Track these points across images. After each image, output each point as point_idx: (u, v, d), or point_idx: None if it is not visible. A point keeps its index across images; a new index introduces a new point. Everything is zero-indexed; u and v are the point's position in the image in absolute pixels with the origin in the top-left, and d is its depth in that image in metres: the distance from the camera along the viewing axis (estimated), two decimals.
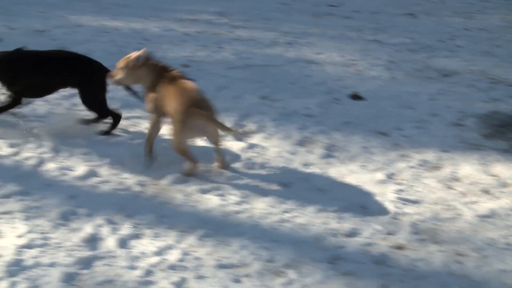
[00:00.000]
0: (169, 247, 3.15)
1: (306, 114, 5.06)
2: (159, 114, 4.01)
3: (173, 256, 3.08)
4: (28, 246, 3.06)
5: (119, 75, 4.13)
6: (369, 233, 3.36)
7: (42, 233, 3.18)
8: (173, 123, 3.84)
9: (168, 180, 3.86)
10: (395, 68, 6.33)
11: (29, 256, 2.99)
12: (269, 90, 5.59)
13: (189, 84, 3.97)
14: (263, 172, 4.03)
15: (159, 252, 3.11)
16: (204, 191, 3.76)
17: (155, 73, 4.02)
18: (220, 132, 3.94)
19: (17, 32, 7.64)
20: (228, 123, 4.41)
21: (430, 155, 4.31)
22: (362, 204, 3.66)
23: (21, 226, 3.23)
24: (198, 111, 3.75)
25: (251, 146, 4.41)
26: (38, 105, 5.05)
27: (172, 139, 3.88)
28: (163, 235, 3.24)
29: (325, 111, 5.15)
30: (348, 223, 3.46)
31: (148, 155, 4.07)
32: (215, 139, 4.00)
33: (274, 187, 3.84)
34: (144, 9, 9.28)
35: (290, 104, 5.28)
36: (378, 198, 3.73)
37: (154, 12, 9.05)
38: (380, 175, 4.00)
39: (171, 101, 3.85)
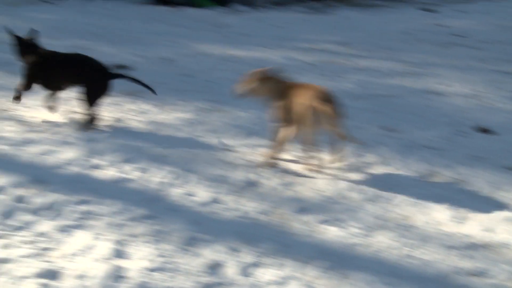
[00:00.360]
0: (290, 277, 3.15)
1: (429, 146, 4.94)
2: (287, 120, 4.31)
3: (293, 287, 3.08)
4: (154, 269, 3.15)
5: (247, 86, 4.55)
6: (497, 273, 3.22)
7: (167, 257, 3.27)
8: (301, 117, 4.17)
9: (288, 209, 3.88)
10: None
11: (154, 279, 3.08)
12: (390, 121, 5.51)
13: (315, 85, 4.36)
14: (383, 204, 3.97)
15: (280, 282, 3.11)
16: (324, 221, 3.75)
17: (281, 84, 4.42)
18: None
19: (147, 60, 7.99)
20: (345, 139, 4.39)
21: None
22: (487, 243, 3.51)
23: (147, 249, 3.33)
24: (323, 104, 4.08)
25: (372, 177, 4.35)
26: (165, 131, 5.23)
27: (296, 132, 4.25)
28: (283, 265, 3.25)
29: (449, 143, 5.01)
30: (474, 261, 3.33)
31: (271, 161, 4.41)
32: (336, 133, 4.20)
33: (395, 220, 3.76)
34: (267, 39, 9.45)
35: (412, 135, 5.17)
36: (503, 236, 3.57)
37: (276, 42, 9.19)
38: (508, 213, 3.83)
39: (299, 99, 4.20)
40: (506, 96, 6.24)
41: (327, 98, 4.17)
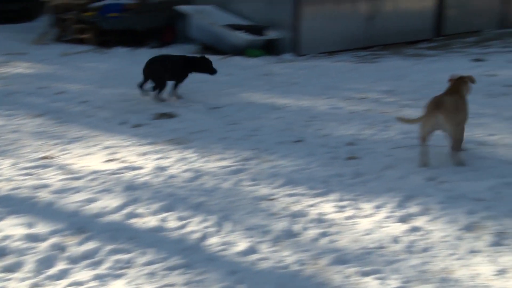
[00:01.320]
0: None
1: (476, 198, 4.83)
2: None
3: None
4: None
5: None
6: None
7: None
8: None
9: (327, 260, 3.83)
10: None
11: None
12: (436, 171, 5.42)
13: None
14: (426, 257, 3.88)
15: None
16: (364, 274, 3.68)
17: None
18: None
19: (192, 108, 8.10)
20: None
21: None
22: None
23: None
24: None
25: (415, 229, 4.28)
26: (206, 180, 5.28)
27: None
28: None
29: (497, 195, 4.89)
30: None
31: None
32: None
33: (436, 274, 3.67)
34: (313, 88, 9.50)
35: (458, 186, 5.08)
36: None
37: (323, 91, 9.23)
38: None
39: None
40: None
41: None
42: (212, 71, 8.56)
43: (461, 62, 11.83)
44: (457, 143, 5.52)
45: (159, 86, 8.30)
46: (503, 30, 17.14)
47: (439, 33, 16.20)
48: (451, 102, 5.47)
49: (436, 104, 5.42)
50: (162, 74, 8.29)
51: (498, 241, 4.07)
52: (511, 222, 4.37)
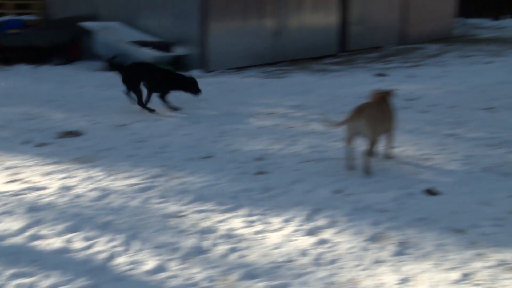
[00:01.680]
0: None
1: (380, 209, 4.97)
2: None
3: None
4: None
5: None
6: None
7: None
8: None
9: (237, 275, 3.83)
10: (473, 163, 6.19)
11: None
12: (342, 184, 5.55)
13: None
14: (333, 269, 3.95)
15: None
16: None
17: None
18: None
19: (100, 126, 7.97)
20: None
21: (509, 255, 4.12)
22: None
23: None
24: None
25: (322, 242, 4.35)
26: (113, 198, 5.19)
27: None
28: None
29: (400, 206, 5.05)
30: None
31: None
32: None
33: (343, 285, 3.74)
34: (222, 103, 9.54)
35: (364, 198, 5.21)
36: None
37: (231, 106, 9.29)
38: (455, 275, 3.85)
39: None
40: (455, 159, 6.35)
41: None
42: (196, 91, 8.97)
43: (365, 77, 12.20)
44: (371, 149, 5.81)
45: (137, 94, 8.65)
46: (402, 46, 17.82)
47: (343, 49, 16.68)
48: (373, 110, 5.86)
49: (359, 110, 5.77)
50: (136, 82, 8.71)
51: (401, 251, 4.20)
52: (414, 231, 4.52)
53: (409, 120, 8.22)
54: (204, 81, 11.87)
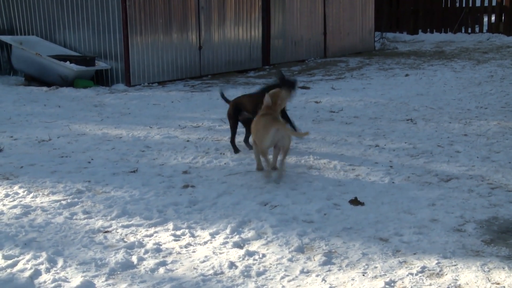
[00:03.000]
0: None
1: (306, 220, 5.06)
2: None
3: None
4: None
5: None
6: None
7: None
8: None
9: None
10: (395, 173, 6.38)
11: None
12: (268, 196, 5.62)
13: None
14: (261, 280, 3.99)
15: None
16: None
17: None
18: None
19: (19, 142, 7.78)
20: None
21: (431, 262, 4.27)
22: None
23: None
24: None
25: (250, 253, 4.39)
26: (36, 215, 5.09)
27: None
28: None
29: (325, 217, 5.15)
30: None
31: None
32: None
33: None
34: (146, 117, 9.50)
35: (290, 210, 5.29)
36: None
37: (156, 120, 9.26)
38: (380, 283, 3.96)
39: None
40: (378, 169, 6.51)
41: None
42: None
43: None
44: (287, 153, 6.11)
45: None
46: (324, 59, 18.19)
47: (267, 62, 16.86)
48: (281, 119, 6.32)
49: (274, 120, 5.99)
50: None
51: (328, 261, 4.29)
52: (339, 241, 4.62)
53: (333, 131, 8.39)
54: (127, 96, 11.80)
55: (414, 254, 4.40)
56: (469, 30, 23.60)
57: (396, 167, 6.60)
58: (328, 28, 19.20)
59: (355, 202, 5.51)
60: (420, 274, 4.09)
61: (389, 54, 19.15)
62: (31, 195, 5.64)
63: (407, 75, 14.28)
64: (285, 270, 4.15)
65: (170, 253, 4.40)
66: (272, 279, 4.02)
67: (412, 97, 11.25)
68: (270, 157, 6.09)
